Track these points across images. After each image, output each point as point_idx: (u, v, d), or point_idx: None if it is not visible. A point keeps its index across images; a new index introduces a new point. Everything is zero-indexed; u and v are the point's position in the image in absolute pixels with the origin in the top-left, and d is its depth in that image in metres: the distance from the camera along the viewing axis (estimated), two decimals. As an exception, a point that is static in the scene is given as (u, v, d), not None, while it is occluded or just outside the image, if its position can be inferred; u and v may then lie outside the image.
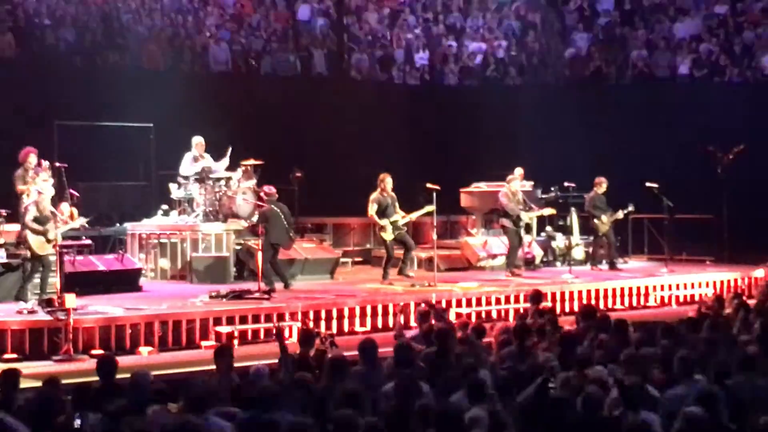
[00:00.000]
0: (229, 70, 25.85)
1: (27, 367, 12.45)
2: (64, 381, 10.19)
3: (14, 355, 14.13)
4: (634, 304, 19.86)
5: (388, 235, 19.26)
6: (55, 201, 17.88)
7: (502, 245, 21.81)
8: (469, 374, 9.46)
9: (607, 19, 28.56)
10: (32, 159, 17.55)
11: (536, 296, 15.42)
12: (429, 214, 19.47)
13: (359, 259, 23.25)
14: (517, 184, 20.80)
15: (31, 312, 15.16)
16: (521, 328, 11.89)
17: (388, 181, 19.30)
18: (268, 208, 18.45)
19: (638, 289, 20.08)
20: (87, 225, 17.49)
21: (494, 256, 21.99)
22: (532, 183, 22.58)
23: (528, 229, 21.39)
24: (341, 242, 23.37)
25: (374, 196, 19.29)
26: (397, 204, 19.37)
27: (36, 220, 16.23)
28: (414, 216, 19.58)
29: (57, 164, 18.36)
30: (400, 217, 19.29)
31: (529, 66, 28.44)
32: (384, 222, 19.20)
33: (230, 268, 19.45)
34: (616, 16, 28.54)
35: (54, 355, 14.21)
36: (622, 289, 19.88)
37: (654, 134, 25.06)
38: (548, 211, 21.50)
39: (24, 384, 10.01)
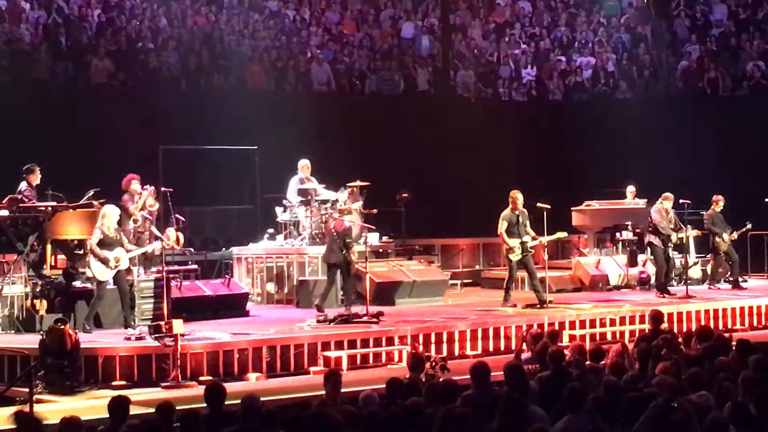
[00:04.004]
0: (333, 89, 25.67)
1: (135, 394, 12.29)
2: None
3: (123, 382, 14.06)
4: (755, 324, 19.20)
5: (515, 256, 18.34)
6: (161, 226, 17.83)
7: (615, 265, 21.28)
8: (579, 398, 9.07)
9: (721, 29, 27.88)
10: (135, 185, 17.57)
11: (656, 317, 14.90)
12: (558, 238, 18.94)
13: (468, 280, 22.78)
14: (669, 203, 20.33)
15: (139, 338, 15.05)
16: (644, 351, 11.40)
17: (518, 197, 18.35)
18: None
19: (759, 308, 19.43)
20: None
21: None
22: (645, 201, 21.97)
23: (679, 249, 20.88)
24: (450, 264, 22.93)
25: (505, 213, 18.37)
26: (528, 222, 18.44)
27: (101, 243, 16.08)
28: (544, 240, 18.57)
29: (162, 189, 18.33)
30: (530, 238, 18.40)
31: (640, 79, 27.90)
32: (513, 243, 18.25)
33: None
34: (729, 25, 27.87)
35: (162, 382, 14.08)
36: (742, 309, 19.27)
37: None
38: (693, 233, 21.12)
39: (133, 411, 9.80)
